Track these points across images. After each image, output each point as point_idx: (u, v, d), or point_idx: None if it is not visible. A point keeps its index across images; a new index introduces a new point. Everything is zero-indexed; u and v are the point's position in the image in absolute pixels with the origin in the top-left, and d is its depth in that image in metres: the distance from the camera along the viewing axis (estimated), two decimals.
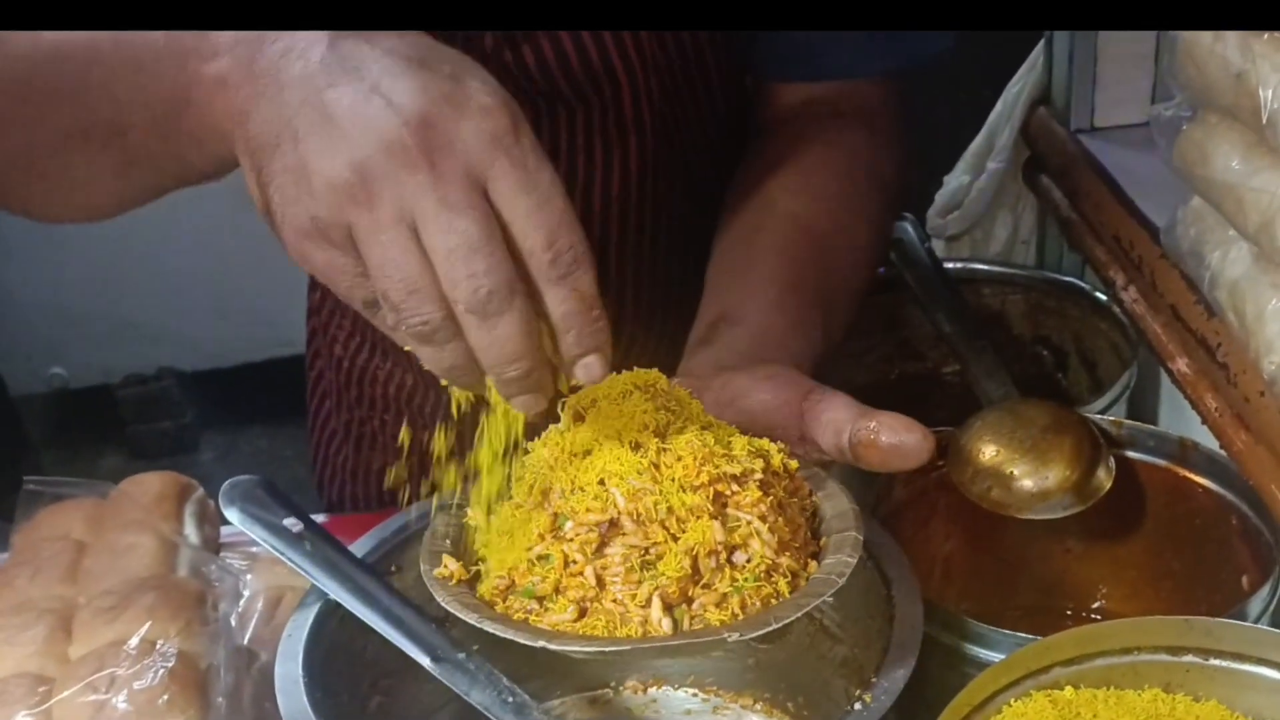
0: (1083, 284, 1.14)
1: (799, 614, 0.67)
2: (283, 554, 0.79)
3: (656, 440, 0.71)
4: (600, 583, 0.69)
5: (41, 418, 3.12)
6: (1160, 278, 0.98)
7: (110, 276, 3.05)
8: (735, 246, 0.95)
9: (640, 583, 0.68)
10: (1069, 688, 0.72)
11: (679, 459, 0.70)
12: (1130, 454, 0.94)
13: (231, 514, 0.81)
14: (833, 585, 0.69)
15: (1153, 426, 0.94)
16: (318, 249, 0.63)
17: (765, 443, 0.75)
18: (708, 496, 0.69)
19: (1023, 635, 0.76)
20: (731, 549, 0.69)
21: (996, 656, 0.76)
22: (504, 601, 0.70)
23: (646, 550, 0.69)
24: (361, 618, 0.76)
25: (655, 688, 0.91)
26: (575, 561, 0.69)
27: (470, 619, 0.69)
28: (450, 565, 0.73)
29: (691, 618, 0.68)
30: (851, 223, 0.96)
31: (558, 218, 0.62)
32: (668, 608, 0.68)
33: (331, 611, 0.78)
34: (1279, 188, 0.79)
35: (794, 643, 0.84)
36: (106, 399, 3.18)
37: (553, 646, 0.67)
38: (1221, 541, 0.90)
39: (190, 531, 0.96)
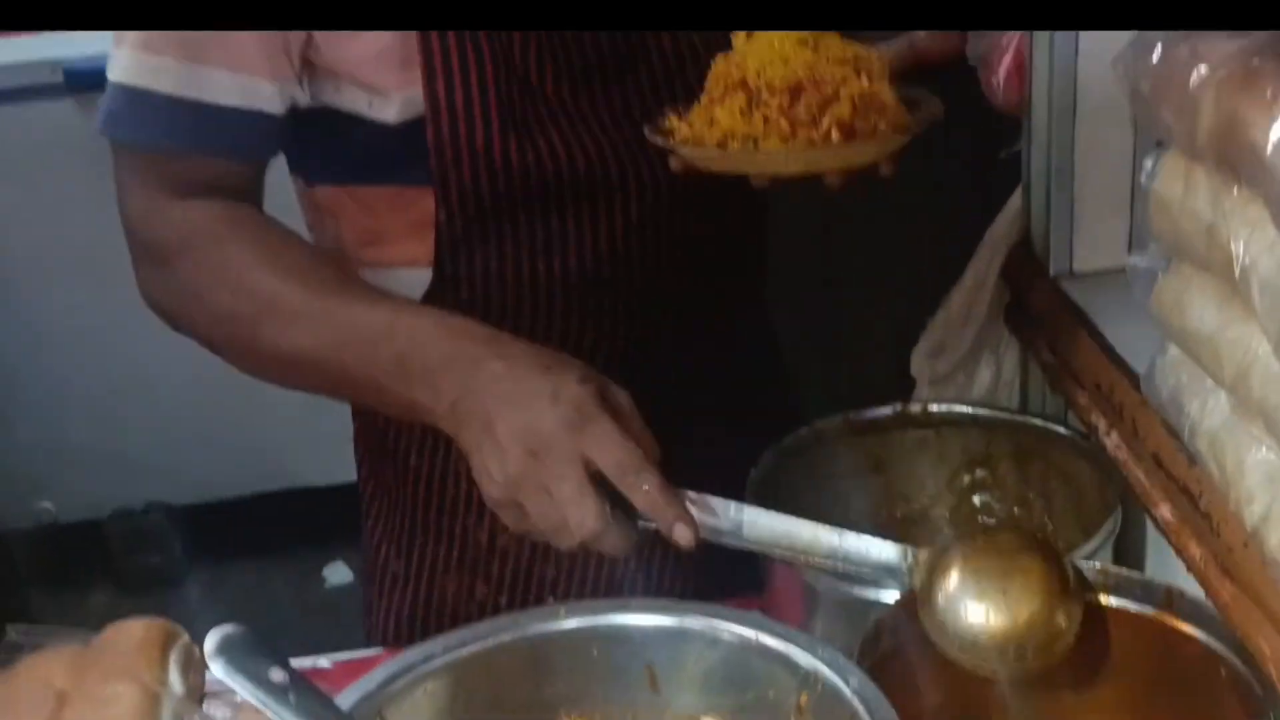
0: (1065, 429, 1.14)
1: (924, 125, 1.07)
2: (267, 706, 0.79)
3: (813, 37, 1.05)
4: (792, 127, 1.03)
5: (29, 553, 3.10)
6: (1141, 424, 0.98)
7: (101, 411, 3.06)
8: None
9: (821, 123, 1.02)
10: None
11: (829, 47, 1.05)
12: (1116, 601, 0.94)
13: (216, 666, 0.81)
14: (937, 114, 1.09)
15: (1139, 574, 0.95)
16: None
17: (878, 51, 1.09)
18: (853, 68, 1.04)
19: None
20: (872, 98, 1.04)
21: None
22: (723, 150, 1.04)
23: (822, 102, 1.02)
24: None
25: None
26: (772, 116, 1.02)
27: (711, 152, 1.06)
28: (678, 124, 1.10)
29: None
30: None
31: (622, 449, 0.97)
32: (842, 135, 1.02)
33: None
34: (1254, 340, 0.81)
35: None
36: (94, 533, 3.16)
37: (772, 153, 1.04)
38: (1211, 693, 0.89)
39: (174, 680, 0.95)
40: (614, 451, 0.95)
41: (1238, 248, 0.79)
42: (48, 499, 3.14)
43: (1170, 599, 0.93)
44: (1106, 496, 1.08)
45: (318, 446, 3.17)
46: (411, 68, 1.11)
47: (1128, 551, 1.11)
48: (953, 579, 0.92)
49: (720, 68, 1.07)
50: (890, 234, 1.99)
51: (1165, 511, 0.96)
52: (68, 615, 3.11)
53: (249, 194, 1.16)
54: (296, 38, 1.10)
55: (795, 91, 1.03)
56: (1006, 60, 1.18)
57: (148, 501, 3.18)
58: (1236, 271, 0.79)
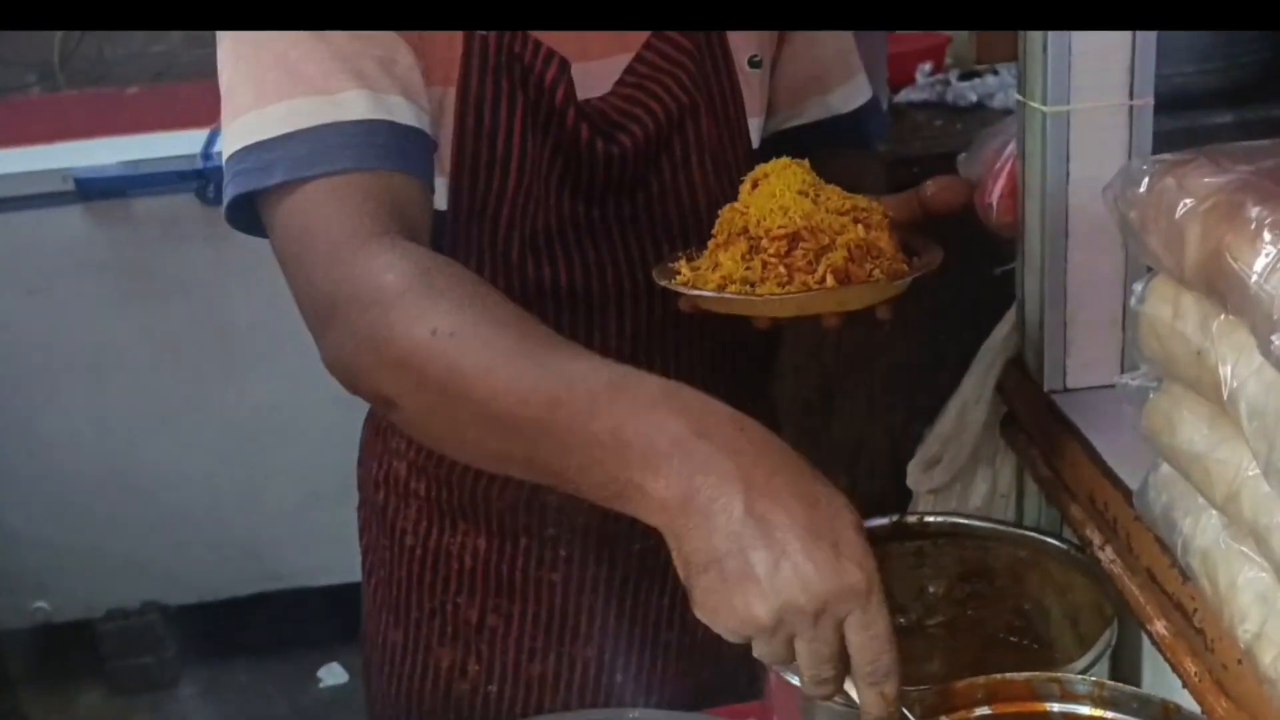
0: (1061, 542, 1.16)
1: (919, 273, 1.10)
2: None
3: (813, 190, 1.11)
4: (789, 273, 1.07)
5: (22, 652, 3.08)
6: (1135, 540, 1.00)
7: (97, 510, 3.05)
8: None
9: (816, 269, 1.07)
10: None
11: (829, 198, 1.11)
12: (1113, 716, 0.94)
13: None
14: (934, 263, 1.11)
15: (1135, 688, 0.95)
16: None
17: (879, 203, 1.14)
18: (851, 218, 1.10)
19: None
20: (869, 246, 1.09)
21: None
22: (722, 293, 1.09)
23: (819, 250, 1.08)
24: None
25: None
26: (772, 261, 1.08)
27: (692, 292, 1.11)
28: (685, 271, 1.14)
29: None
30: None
31: (882, 645, 0.84)
32: (836, 280, 1.07)
33: None
34: (1243, 460, 0.83)
35: None
36: (88, 633, 3.14)
37: (767, 298, 1.07)
38: None
39: None
40: (876, 641, 0.84)
41: (1225, 371, 0.82)
42: (43, 599, 3.13)
43: (1167, 714, 0.93)
44: (1103, 610, 1.09)
45: (312, 547, 3.17)
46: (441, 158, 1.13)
47: (1125, 665, 1.12)
48: None
49: (726, 216, 1.13)
50: (887, 347, 2.02)
51: (1160, 627, 0.97)
52: (60, 716, 3.09)
53: (427, 225, 1.09)
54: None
55: (793, 239, 1.08)
56: (1000, 183, 1.22)
57: (143, 602, 3.16)
58: (1225, 394, 0.82)
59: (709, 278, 1.11)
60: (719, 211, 1.15)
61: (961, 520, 1.22)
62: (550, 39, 1.15)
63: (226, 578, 3.18)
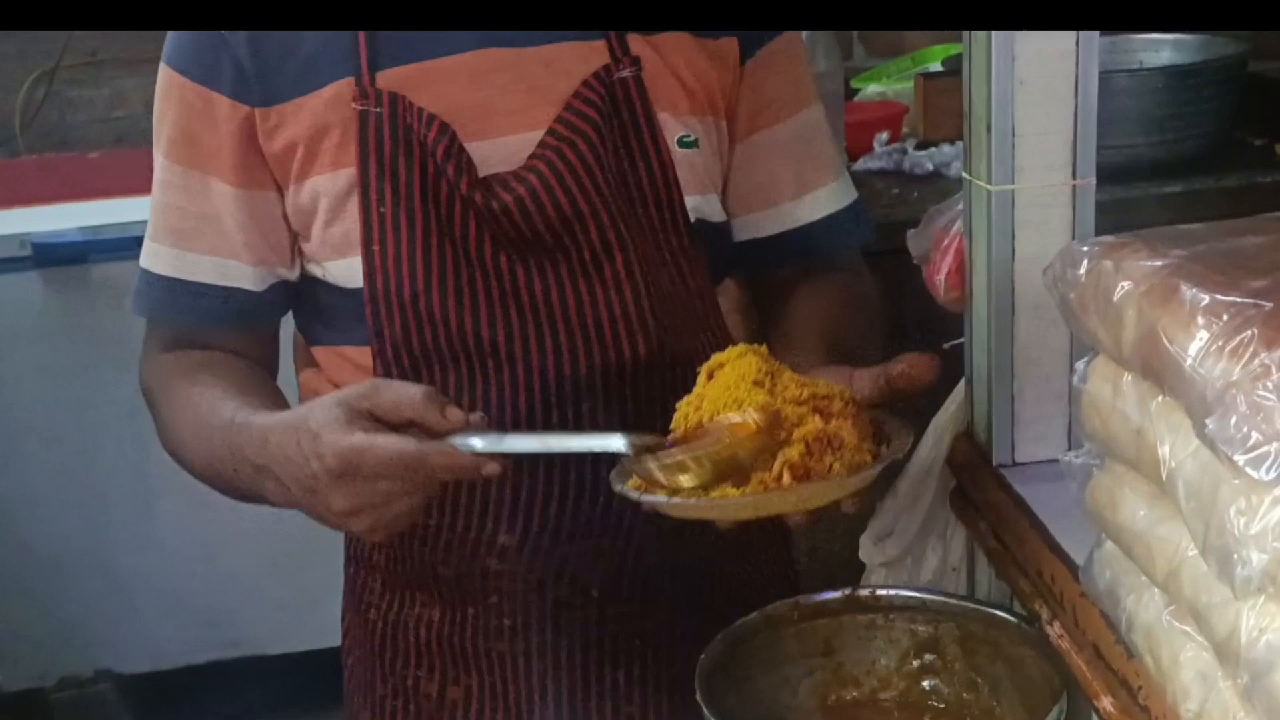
0: (1011, 616, 1.16)
1: (883, 462, 1.06)
2: None
3: (769, 379, 1.06)
4: (746, 472, 1.02)
5: None
6: (1081, 615, 1.01)
7: (50, 577, 3.02)
8: (787, 334, 1.33)
9: (772, 465, 1.02)
10: None
11: (786, 387, 1.06)
12: None
13: None
14: (900, 451, 1.08)
15: None
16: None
17: (841, 387, 1.09)
18: (809, 408, 1.05)
19: None
20: (829, 438, 1.04)
21: None
22: (677, 495, 1.04)
23: (775, 445, 1.03)
24: None
25: None
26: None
27: (658, 499, 1.04)
28: (637, 480, 1.07)
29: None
30: (853, 315, 1.38)
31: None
32: (794, 478, 1.02)
33: None
34: (1182, 539, 0.84)
35: None
36: (40, 703, 3.09)
37: (721, 502, 1.03)
38: None
39: None
40: (391, 452, 1.06)
41: (1164, 451, 0.83)
42: None
43: None
44: (1053, 684, 1.09)
45: (270, 614, 3.14)
46: (351, 237, 1.27)
47: None
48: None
49: (682, 410, 1.09)
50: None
51: (1107, 703, 0.98)
52: None
53: (244, 354, 1.36)
54: (284, 233, 1.31)
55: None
56: (948, 260, 1.24)
57: (96, 670, 3.11)
58: (1164, 474, 0.83)
59: (664, 479, 1.05)
60: (676, 406, 1.10)
61: (913, 594, 1.23)
62: (446, 116, 1.24)
63: (182, 645, 3.14)
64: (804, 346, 1.28)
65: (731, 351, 1.10)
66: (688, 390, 1.12)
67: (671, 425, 1.10)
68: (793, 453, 1.03)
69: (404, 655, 1.36)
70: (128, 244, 2.86)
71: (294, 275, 1.33)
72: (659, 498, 1.05)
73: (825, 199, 1.38)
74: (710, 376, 1.09)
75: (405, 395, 1.08)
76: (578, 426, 1.26)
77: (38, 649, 3.08)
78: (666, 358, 1.28)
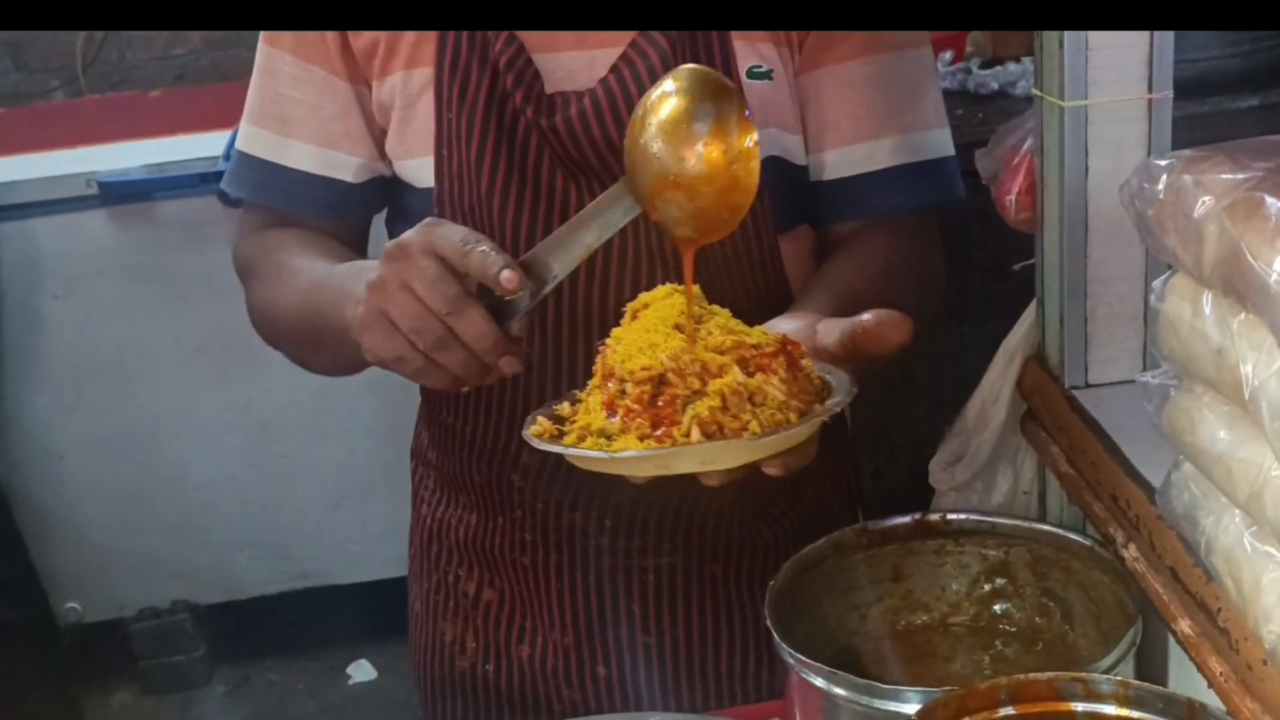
0: (1084, 539, 1.15)
1: (808, 423, 0.94)
2: None
3: (693, 324, 0.97)
4: (655, 423, 0.93)
5: (54, 652, 3.11)
6: (1158, 539, 0.99)
7: (127, 512, 3.09)
8: (802, 293, 1.25)
9: (682, 419, 0.93)
10: None
11: (710, 334, 0.97)
12: (1138, 715, 0.94)
13: None
14: (830, 411, 0.95)
15: (1160, 688, 0.94)
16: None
17: (778, 335, 0.99)
18: (733, 358, 0.95)
19: None
20: (751, 393, 0.94)
21: None
22: (582, 443, 0.95)
23: (688, 396, 0.94)
24: None
25: None
26: (634, 409, 0.94)
27: (556, 449, 0.95)
28: (543, 423, 1.00)
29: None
30: (886, 283, 1.22)
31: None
32: (704, 433, 0.92)
33: None
34: (1265, 459, 0.82)
35: None
36: (120, 633, 3.17)
37: (618, 456, 0.92)
38: None
39: None
40: (450, 240, 1.03)
41: (1246, 370, 0.81)
42: (75, 599, 3.15)
43: (1193, 714, 0.92)
44: (1127, 608, 1.08)
45: (340, 545, 3.19)
46: (423, 136, 1.27)
47: (1152, 663, 1.11)
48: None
49: (600, 356, 1.01)
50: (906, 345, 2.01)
51: (1185, 626, 0.96)
52: (92, 715, 3.12)
53: (342, 241, 1.35)
54: (377, 128, 1.31)
55: (658, 383, 0.95)
56: (1018, 180, 1.21)
57: (173, 601, 3.19)
58: (1246, 394, 0.81)
59: (570, 424, 0.99)
60: (597, 348, 1.02)
61: (984, 518, 1.22)
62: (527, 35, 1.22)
63: (255, 576, 3.21)
64: (807, 305, 1.18)
65: (658, 291, 1.02)
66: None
67: (593, 368, 1.01)
68: (702, 406, 0.93)
69: (447, 552, 1.42)
70: (191, 180, 2.91)
71: (389, 171, 1.33)
72: (558, 447, 0.96)
73: (889, 150, 1.28)
74: (634, 317, 1.01)
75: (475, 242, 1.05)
76: (581, 357, 1.25)
77: (117, 582, 3.15)
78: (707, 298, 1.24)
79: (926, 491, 1.39)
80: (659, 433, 0.93)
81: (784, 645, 1.07)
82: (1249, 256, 0.77)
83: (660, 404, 0.94)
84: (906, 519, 1.22)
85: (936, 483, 1.33)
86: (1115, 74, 1.13)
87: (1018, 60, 2.67)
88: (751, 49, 1.24)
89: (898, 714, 0.99)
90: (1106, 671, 1.00)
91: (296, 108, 1.31)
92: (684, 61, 1.19)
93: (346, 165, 1.31)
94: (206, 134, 2.99)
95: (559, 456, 0.97)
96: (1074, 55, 1.12)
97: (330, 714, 3.15)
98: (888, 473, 2.27)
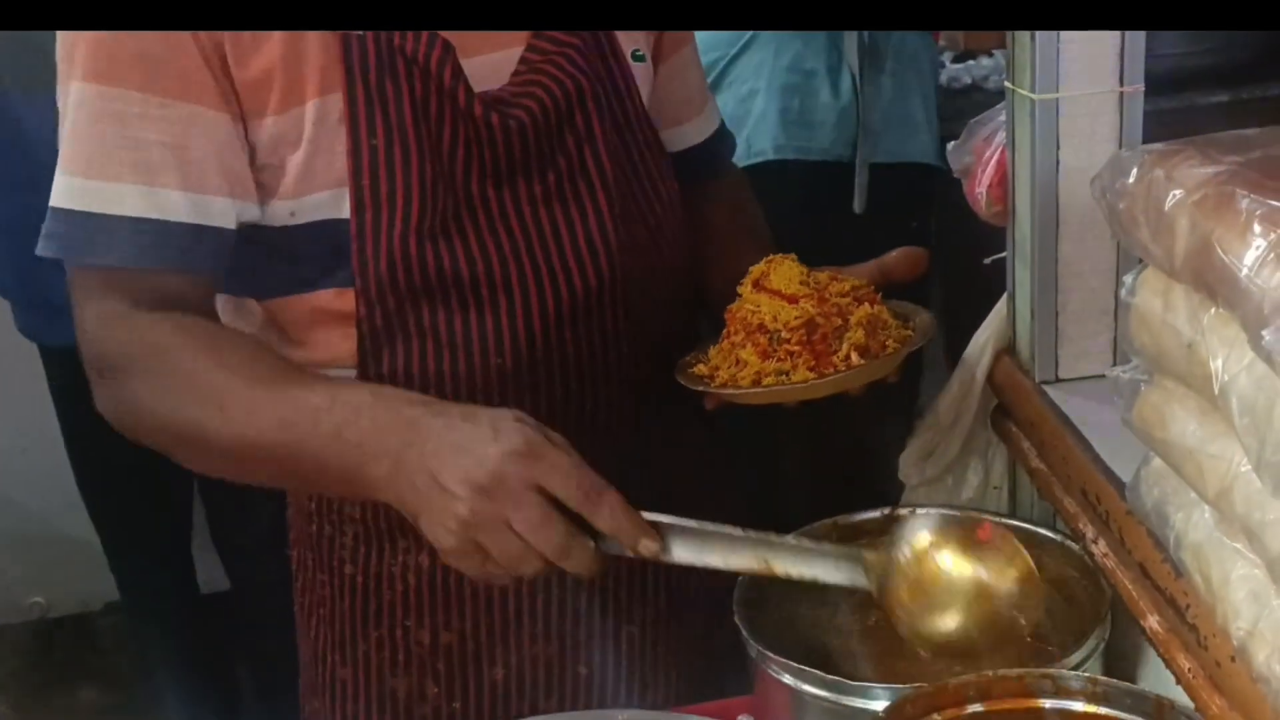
0: (1054, 534, 1.15)
1: (926, 338, 1.21)
2: None
3: (810, 278, 1.21)
4: (815, 357, 1.17)
5: (18, 647, 3.08)
6: (1128, 534, 0.99)
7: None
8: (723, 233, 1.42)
9: (837, 350, 1.17)
10: None
11: (828, 284, 1.21)
12: (1106, 711, 0.94)
13: None
14: (929, 324, 1.22)
15: (1128, 684, 0.94)
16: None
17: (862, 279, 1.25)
18: (853, 298, 1.20)
19: None
20: (879, 320, 1.20)
21: None
22: (759, 387, 1.18)
23: (833, 332, 1.18)
24: None
25: None
26: (796, 350, 1.17)
27: (730, 391, 1.19)
28: (703, 368, 1.23)
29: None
30: (756, 210, 1.51)
31: (572, 474, 1.00)
32: (860, 355, 1.17)
33: None
34: (1235, 455, 0.82)
35: None
36: (86, 628, 3.14)
37: (816, 382, 1.16)
38: None
39: None
40: (571, 474, 0.98)
41: (1216, 365, 0.81)
42: (39, 593, 3.12)
43: (1161, 711, 0.92)
44: (1097, 603, 1.08)
45: None
46: (335, 168, 1.17)
47: (1121, 658, 1.11)
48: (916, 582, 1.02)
49: (739, 315, 1.22)
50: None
51: (1154, 622, 0.96)
52: (57, 711, 3.09)
53: (203, 307, 1.19)
54: (242, 154, 1.17)
55: (809, 326, 1.17)
56: (989, 172, 1.21)
57: None
58: (1216, 389, 0.80)
59: (741, 375, 1.19)
60: (728, 309, 1.23)
61: (954, 513, 1.21)
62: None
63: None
64: (742, 244, 1.37)
65: (772, 260, 1.23)
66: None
67: (726, 331, 1.22)
68: (857, 335, 1.17)
69: (389, 607, 1.29)
70: None
71: (259, 214, 1.19)
72: (744, 389, 1.18)
73: (711, 113, 1.47)
74: (755, 284, 1.22)
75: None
76: (562, 355, 1.23)
77: (83, 576, 3.11)
78: (644, 277, 1.27)
79: (895, 495, 1.38)
80: (823, 363, 1.16)
81: (752, 641, 1.06)
82: (1219, 250, 0.77)
83: (815, 341, 1.17)
84: (876, 514, 1.21)
85: (906, 477, 1.33)
86: (1087, 67, 1.12)
87: (990, 55, 2.67)
88: (627, 37, 1.30)
89: (866, 711, 0.99)
90: (1075, 668, 1.00)
91: (157, 151, 1.14)
92: (588, 50, 1.25)
93: (223, 211, 1.16)
94: None
95: None
96: (1046, 48, 1.11)
97: (300, 711, 3.12)
98: (858, 475, 2.26)
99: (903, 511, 1.21)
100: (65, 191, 1.15)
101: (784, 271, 1.22)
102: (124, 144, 1.13)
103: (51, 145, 1.19)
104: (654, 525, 1.01)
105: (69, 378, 2.56)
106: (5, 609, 3.15)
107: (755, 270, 1.23)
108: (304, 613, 1.36)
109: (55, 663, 3.17)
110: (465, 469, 0.98)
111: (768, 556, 1.02)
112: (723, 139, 1.50)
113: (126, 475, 2.65)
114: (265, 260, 1.21)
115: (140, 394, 1.15)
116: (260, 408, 1.09)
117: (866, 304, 1.20)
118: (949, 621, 1.01)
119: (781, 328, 1.18)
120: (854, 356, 1.17)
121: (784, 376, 1.17)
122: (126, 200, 1.14)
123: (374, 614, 1.30)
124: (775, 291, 1.20)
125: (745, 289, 1.23)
